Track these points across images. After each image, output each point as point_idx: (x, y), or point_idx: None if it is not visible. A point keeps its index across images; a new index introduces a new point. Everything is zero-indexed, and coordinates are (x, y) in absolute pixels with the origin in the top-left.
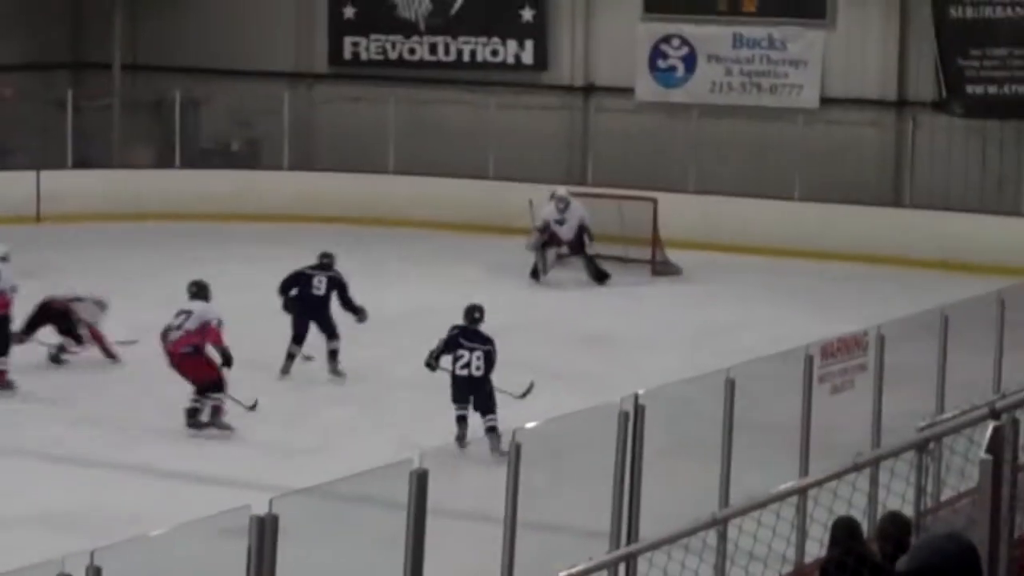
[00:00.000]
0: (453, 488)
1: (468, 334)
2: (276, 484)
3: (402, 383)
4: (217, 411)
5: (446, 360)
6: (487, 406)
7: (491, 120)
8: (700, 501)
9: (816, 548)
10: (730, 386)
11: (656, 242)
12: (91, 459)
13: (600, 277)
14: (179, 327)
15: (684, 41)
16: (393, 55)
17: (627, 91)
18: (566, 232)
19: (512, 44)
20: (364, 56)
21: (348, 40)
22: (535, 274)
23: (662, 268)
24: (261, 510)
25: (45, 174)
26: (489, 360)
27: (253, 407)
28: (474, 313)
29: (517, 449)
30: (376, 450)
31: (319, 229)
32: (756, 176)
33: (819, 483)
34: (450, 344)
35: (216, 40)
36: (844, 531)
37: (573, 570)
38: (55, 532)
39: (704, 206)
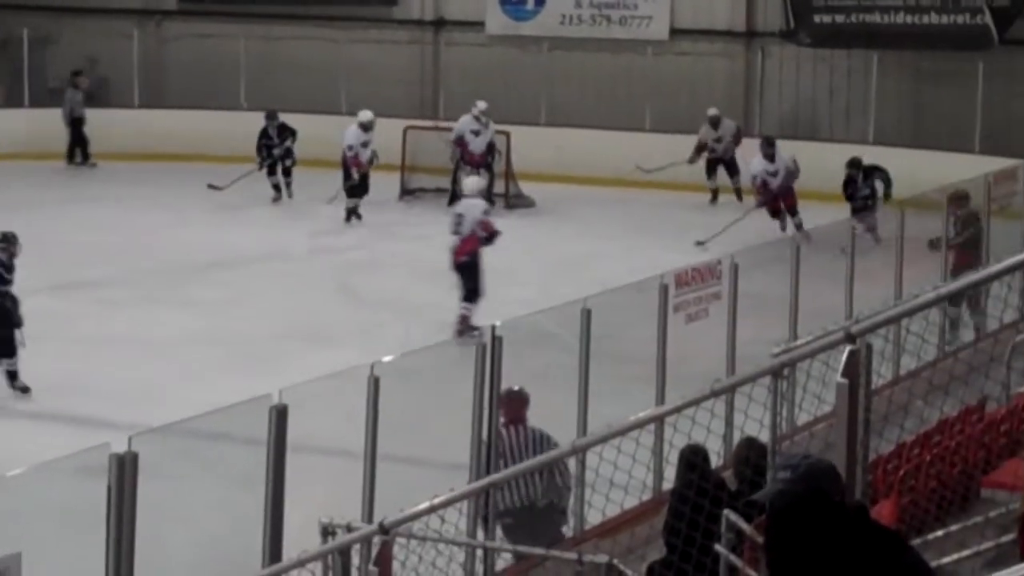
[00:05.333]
0: (312, 424)
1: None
2: (136, 422)
3: (253, 319)
4: None
5: None
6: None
7: (342, 55)
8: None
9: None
10: (586, 316)
11: (509, 175)
12: None
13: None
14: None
15: None
16: None
17: (477, 24)
18: (478, 145)
19: None
20: None
21: None
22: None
23: (515, 201)
24: (120, 448)
25: None
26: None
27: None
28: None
29: (376, 383)
30: (236, 387)
31: (170, 168)
32: (607, 108)
33: (677, 410)
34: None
35: None
36: (682, 463)
37: (435, 501)
38: None
39: (556, 139)
